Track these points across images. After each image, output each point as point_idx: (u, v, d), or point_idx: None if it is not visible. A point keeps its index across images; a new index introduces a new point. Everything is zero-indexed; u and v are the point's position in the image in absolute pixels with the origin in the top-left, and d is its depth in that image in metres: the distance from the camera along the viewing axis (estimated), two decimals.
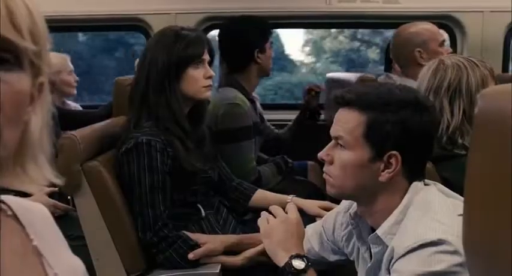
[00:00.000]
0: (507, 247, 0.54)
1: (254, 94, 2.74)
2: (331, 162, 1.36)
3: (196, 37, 1.96)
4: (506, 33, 3.12)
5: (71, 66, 3.25)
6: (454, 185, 1.48)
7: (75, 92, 3.27)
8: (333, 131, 1.36)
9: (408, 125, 1.29)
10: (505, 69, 3.14)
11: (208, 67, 1.96)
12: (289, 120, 3.18)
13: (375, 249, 1.35)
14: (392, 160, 1.30)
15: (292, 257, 1.43)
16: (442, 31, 2.69)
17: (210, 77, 1.95)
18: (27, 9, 0.60)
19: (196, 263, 1.80)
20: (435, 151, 1.76)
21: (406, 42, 2.59)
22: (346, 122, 1.33)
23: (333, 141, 1.37)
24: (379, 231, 1.32)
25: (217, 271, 1.79)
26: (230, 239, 1.90)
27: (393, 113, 1.29)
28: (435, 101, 1.75)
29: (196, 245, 1.81)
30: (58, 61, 3.07)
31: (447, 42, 2.70)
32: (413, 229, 1.25)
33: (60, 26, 3.34)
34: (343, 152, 1.33)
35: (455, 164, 1.67)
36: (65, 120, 2.58)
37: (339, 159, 1.34)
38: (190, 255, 1.78)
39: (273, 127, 2.95)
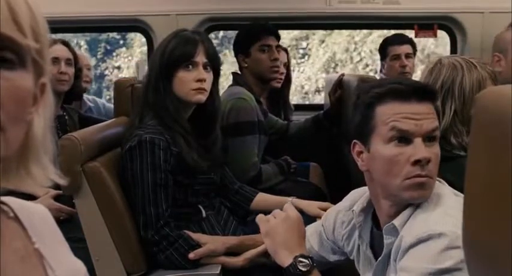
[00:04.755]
0: (507, 247, 0.54)
1: None
2: (429, 162, 1.28)
3: (188, 38, 1.92)
4: None
5: (86, 62, 3.36)
6: (455, 187, 1.48)
7: (87, 87, 3.40)
8: (428, 124, 1.29)
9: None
10: None
11: (201, 69, 1.90)
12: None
13: (388, 240, 1.32)
14: None
15: (296, 258, 1.43)
16: None
17: (200, 80, 1.89)
18: (28, 7, 0.60)
19: (196, 263, 1.81)
20: None
21: (494, 44, 2.57)
22: (432, 112, 1.30)
23: (421, 139, 1.28)
24: (396, 222, 1.29)
25: (218, 272, 1.79)
26: (231, 240, 1.90)
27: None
28: None
29: (197, 245, 1.81)
30: None
31: None
32: (425, 220, 1.24)
33: (61, 27, 3.34)
34: (435, 145, 1.30)
35: (455, 165, 1.66)
36: (86, 126, 2.55)
37: (436, 154, 1.29)
38: (191, 255, 1.79)
39: (276, 118, 2.90)
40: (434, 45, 8.02)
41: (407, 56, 3.20)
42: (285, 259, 1.44)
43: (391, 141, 1.28)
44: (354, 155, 1.39)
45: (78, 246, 1.80)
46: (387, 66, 3.25)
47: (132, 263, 1.82)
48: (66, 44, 2.67)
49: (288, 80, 3.18)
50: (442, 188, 1.34)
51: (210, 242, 1.83)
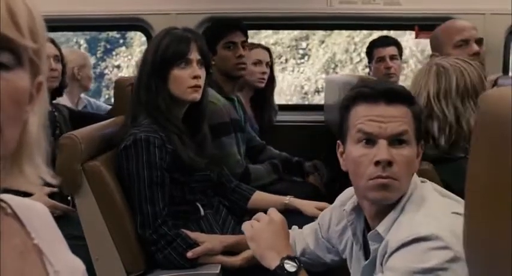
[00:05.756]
0: (507, 247, 0.54)
1: None
2: (392, 164, 1.28)
3: (181, 36, 1.91)
4: (507, 36, 3.12)
5: (88, 62, 3.44)
6: (453, 188, 1.48)
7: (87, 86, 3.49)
8: (393, 127, 1.29)
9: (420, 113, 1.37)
10: (505, 71, 3.15)
11: (195, 67, 1.90)
12: (303, 121, 3.17)
13: (373, 246, 1.35)
14: (419, 147, 1.35)
15: (283, 259, 1.44)
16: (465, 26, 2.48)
17: (195, 77, 1.89)
18: (27, 8, 0.60)
19: (194, 263, 1.81)
20: (434, 153, 1.77)
21: (430, 44, 2.58)
22: (402, 116, 1.31)
23: (385, 141, 1.29)
24: (379, 228, 1.31)
25: (218, 271, 1.80)
26: (229, 239, 1.90)
27: (417, 105, 1.37)
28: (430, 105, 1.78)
29: (195, 244, 1.81)
30: (79, 56, 3.23)
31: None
32: (407, 224, 1.26)
33: (61, 26, 3.35)
34: (405, 148, 1.30)
35: (454, 167, 1.67)
36: (77, 122, 2.57)
37: (403, 157, 1.29)
38: (189, 254, 1.79)
39: (254, 134, 2.88)
40: None
41: (392, 57, 3.22)
42: (271, 261, 1.45)
43: (359, 142, 1.32)
44: (338, 155, 1.42)
45: (76, 243, 1.80)
46: (373, 68, 3.27)
47: (132, 262, 1.82)
48: (51, 40, 2.69)
49: (271, 80, 3.13)
50: (426, 188, 1.35)
51: (208, 241, 1.84)
